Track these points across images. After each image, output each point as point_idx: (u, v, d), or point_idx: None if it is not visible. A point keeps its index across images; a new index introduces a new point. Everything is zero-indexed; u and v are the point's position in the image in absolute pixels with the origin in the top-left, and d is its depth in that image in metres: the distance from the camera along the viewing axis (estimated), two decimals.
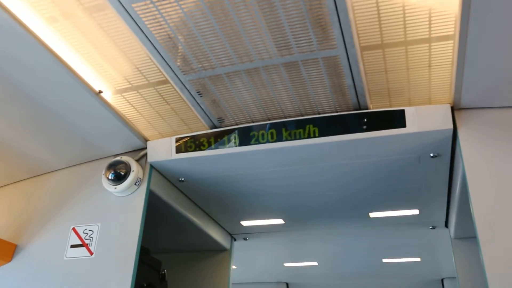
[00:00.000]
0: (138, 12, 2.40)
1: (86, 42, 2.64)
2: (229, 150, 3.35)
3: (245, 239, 5.70)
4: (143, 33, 2.54)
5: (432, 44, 2.59)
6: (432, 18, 2.42)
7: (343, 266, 7.58)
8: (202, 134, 3.45)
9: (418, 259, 6.97)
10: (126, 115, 3.31)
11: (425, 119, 3.01)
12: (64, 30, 2.55)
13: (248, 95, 3.13)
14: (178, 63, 2.81)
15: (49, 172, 3.85)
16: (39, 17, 2.44)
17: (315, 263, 7.48)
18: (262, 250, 6.63)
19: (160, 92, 3.10)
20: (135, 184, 3.46)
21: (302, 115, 3.29)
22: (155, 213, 4.01)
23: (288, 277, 8.73)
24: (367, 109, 3.16)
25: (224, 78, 2.95)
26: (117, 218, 3.43)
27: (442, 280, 8.07)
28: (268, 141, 3.27)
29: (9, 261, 3.45)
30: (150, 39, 2.59)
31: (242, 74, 2.91)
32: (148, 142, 3.59)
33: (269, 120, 3.36)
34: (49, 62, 2.64)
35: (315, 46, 2.64)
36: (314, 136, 3.18)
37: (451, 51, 2.62)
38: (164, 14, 2.42)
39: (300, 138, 3.20)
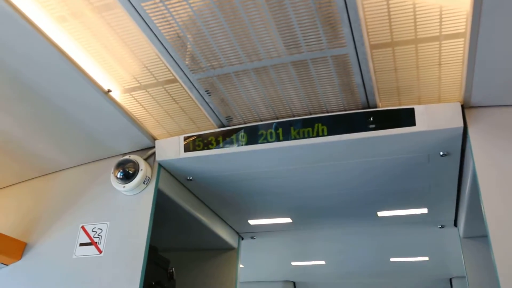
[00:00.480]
0: (147, 11, 2.40)
1: (95, 41, 2.65)
2: (237, 149, 3.35)
3: (252, 238, 5.70)
4: (152, 32, 2.54)
5: (442, 42, 2.57)
6: (443, 16, 2.40)
7: (351, 265, 7.55)
8: (210, 133, 3.45)
9: (426, 258, 6.92)
10: (134, 114, 3.31)
11: (435, 117, 2.98)
12: (73, 29, 2.55)
13: (256, 94, 3.12)
14: (187, 62, 2.81)
15: (58, 171, 3.87)
16: (49, 17, 2.45)
17: (323, 262, 7.46)
18: (270, 249, 6.62)
19: (168, 91, 3.10)
20: (144, 182, 3.47)
21: (311, 114, 3.28)
22: (163, 212, 4.02)
23: (295, 276, 8.71)
24: (376, 107, 3.14)
25: (233, 77, 2.94)
26: (126, 216, 3.44)
27: (450, 279, 8.02)
28: (276, 140, 3.26)
29: (19, 259, 3.47)
30: (159, 38, 2.59)
31: (251, 73, 2.91)
32: (156, 141, 3.60)
33: (278, 118, 3.35)
34: (58, 61, 2.65)
35: (325, 45, 2.63)
36: (323, 135, 3.17)
37: (461, 49, 2.60)
38: (173, 13, 2.42)
39: (308, 137, 3.19)
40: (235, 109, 3.29)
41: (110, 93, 3.02)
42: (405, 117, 3.03)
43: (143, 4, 2.36)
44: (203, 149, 3.43)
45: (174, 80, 2.99)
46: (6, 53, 2.60)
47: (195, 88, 3.04)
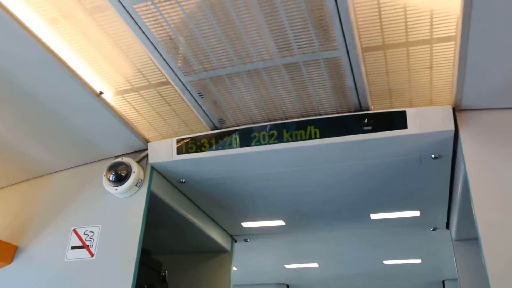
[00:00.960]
0: (139, 13, 2.40)
1: (87, 43, 2.64)
2: (230, 151, 3.35)
3: (245, 240, 5.69)
4: (144, 34, 2.54)
5: (433, 45, 2.59)
6: (433, 19, 2.41)
7: (344, 268, 7.56)
8: (203, 135, 3.44)
9: (419, 261, 6.95)
10: (127, 116, 3.30)
11: (427, 120, 3.00)
12: (65, 31, 2.54)
13: (249, 96, 3.12)
14: (179, 64, 2.81)
15: (50, 174, 3.84)
16: (40, 18, 2.44)
17: (316, 265, 7.47)
18: (263, 252, 6.62)
19: (161, 93, 3.10)
20: (136, 185, 3.46)
21: (303, 116, 3.29)
22: (156, 215, 4.00)
23: (289, 278, 8.70)
24: (368, 110, 3.16)
25: (225, 79, 2.94)
26: (118, 219, 3.43)
27: (443, 281, 8.05)
28: (269, 143, 3.27)
29: (10, 262, 3.45)
30: (151, 40, 2.59)
31: (243, 75, 2.91)
32: (149, 143, 3.59)
33: (270, 121, 3.35)
34: (50, 63, 2.64)
35: (316, 47, 2.64)
36: (315, 138, 3.17)
37: (452, 52, 2.62)
38: (165, 15, 2.42)
39: (301, 140, 3.20)
40: (228, 111, 3.29)
41: (102, 95, 3.01)
42: (397, 120, 3.05)
43: (135, 6, 2.36)
44: (195, 151, 3.42)
45: (166, 82, 2.99)
46: None
47: (188, 90, 3.04)
